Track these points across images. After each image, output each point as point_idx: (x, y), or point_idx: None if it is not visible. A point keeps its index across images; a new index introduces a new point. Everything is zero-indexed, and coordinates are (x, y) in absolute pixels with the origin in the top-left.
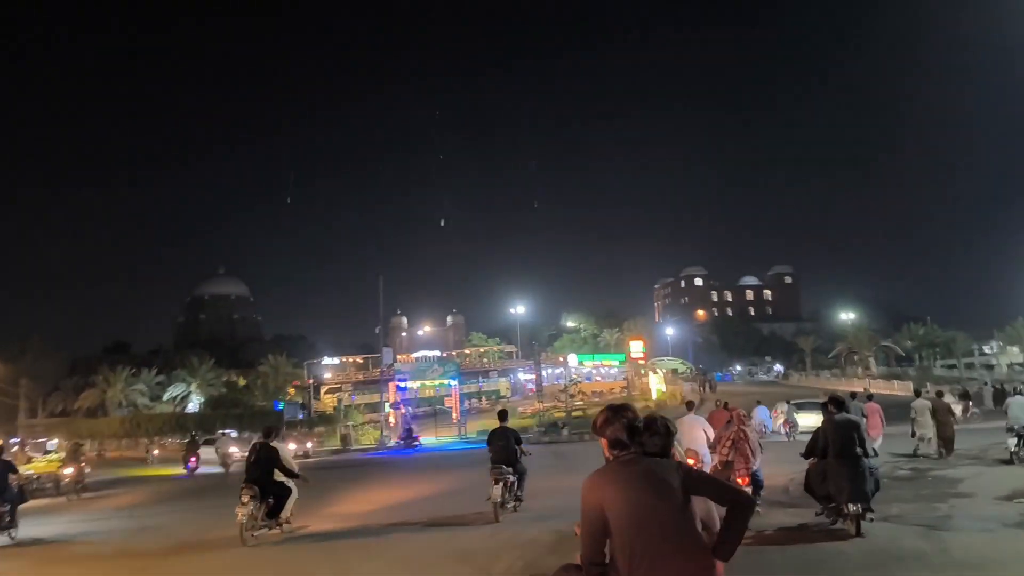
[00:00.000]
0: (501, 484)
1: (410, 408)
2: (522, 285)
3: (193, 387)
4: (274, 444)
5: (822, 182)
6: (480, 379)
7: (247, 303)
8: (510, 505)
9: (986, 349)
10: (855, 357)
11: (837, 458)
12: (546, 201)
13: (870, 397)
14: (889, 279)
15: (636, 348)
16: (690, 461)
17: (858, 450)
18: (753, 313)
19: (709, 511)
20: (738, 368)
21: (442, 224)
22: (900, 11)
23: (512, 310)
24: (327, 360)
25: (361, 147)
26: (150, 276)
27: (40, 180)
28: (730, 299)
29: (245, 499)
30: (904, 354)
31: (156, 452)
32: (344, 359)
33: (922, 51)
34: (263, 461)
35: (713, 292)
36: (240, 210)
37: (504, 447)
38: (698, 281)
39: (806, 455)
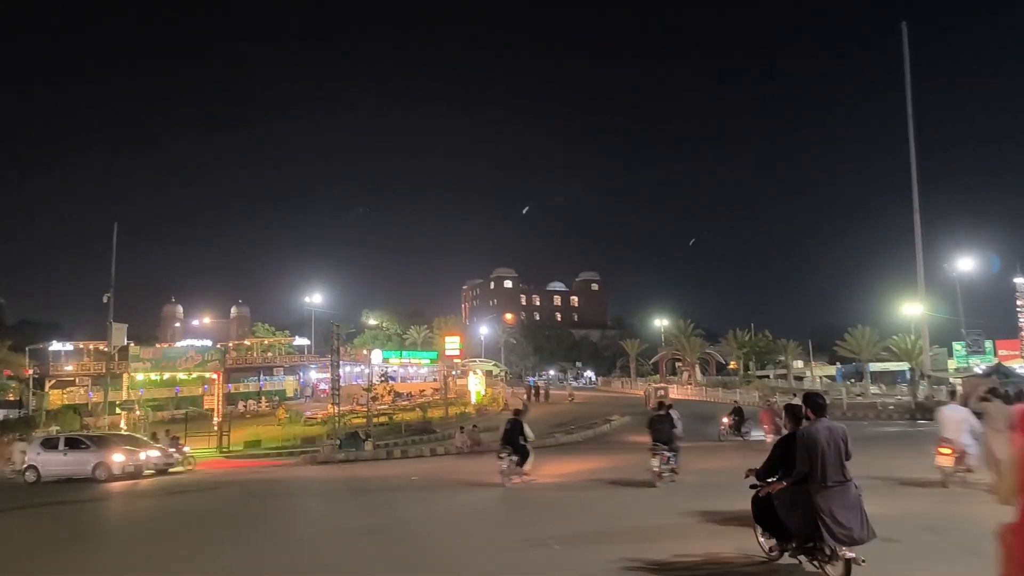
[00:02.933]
0: (659, 457)
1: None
2: (319, 278)
3: None
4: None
5: (635, 189)
6: (262, 376)
7: None
8: (667, 475)
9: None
10: (677, 364)
11: (822, 482)
12: (345, 194)
13: None
14: (696, 290)
15: (451, 345)
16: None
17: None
18: (560, 318)
19: None
20: (552, 372)
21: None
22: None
23: (307, 299)
24: (58, 346)
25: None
26: None
27: None
28: (539, 303)
29: (503, 455)
30: (723, 363)
31: None
32: (82, 345)
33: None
34: (515, 430)
35: (522, 295)
36: None
37: (662, 430)
38: (508, 283)
39: (763, 474)
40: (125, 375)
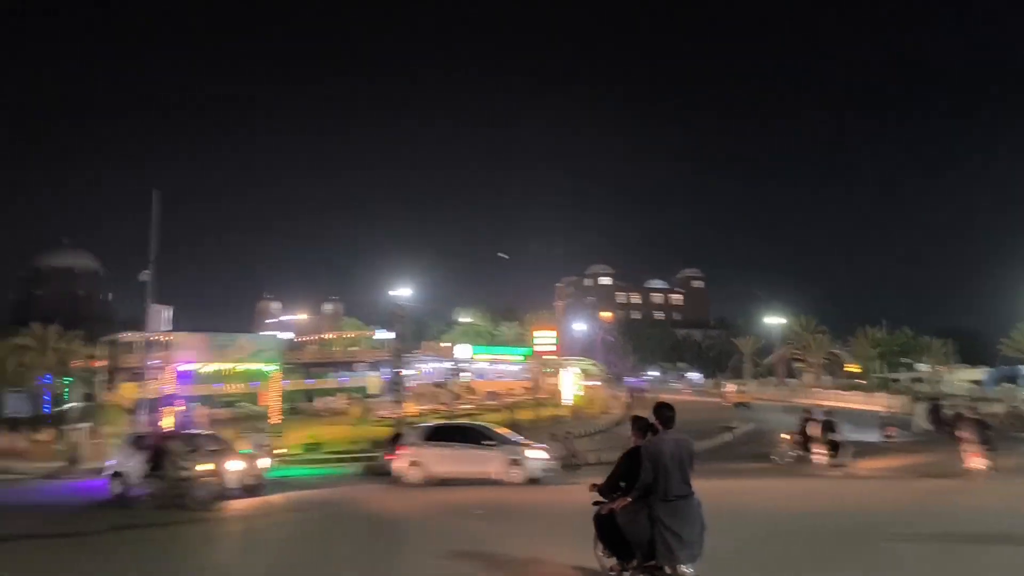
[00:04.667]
0: None
1: (193, 405)
2: (412, 277)
3: None
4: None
5: (739, 183)
6: (342, 373)
7: (95, 278)
8: None
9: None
10: (797, 365)
11: (664, 496)
12: (442, 192)
13: None
14: (811, 286)
15: (544, 340)
16: None
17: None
18: (660, 317)
19: None
20: (653, 373)
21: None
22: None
23: (393, 292)
24: (131, 336)
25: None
26: None
27: None
28: (637, 301)
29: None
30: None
31: None
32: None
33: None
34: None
35: (620, 293)
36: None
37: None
38: (605, 280)
39: (606, 490)
40: (168, 367)
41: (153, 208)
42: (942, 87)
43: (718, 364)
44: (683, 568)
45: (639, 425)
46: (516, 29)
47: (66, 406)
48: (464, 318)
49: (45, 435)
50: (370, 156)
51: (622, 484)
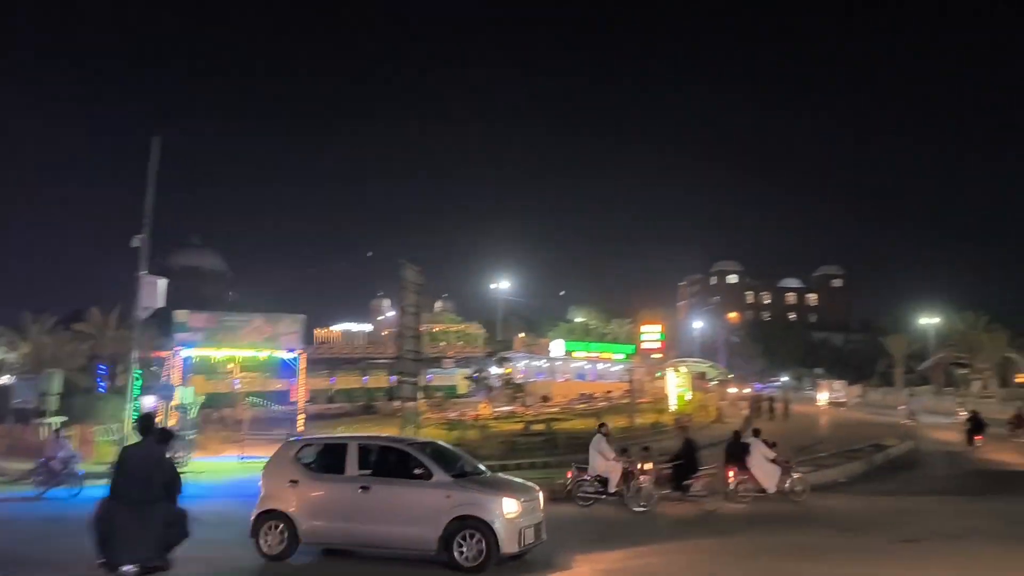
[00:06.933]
0: None
1: (189, 406)
2: (527, 275)
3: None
4: None
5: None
6: (429, 369)
7: (222, 278)
8: None
9: None
10: (961, 371)
11: (125, 500)
12: (560, 189)
13: None
14: (979, 283)
15: (650, 335)
16: None
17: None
18: (794, 318)
19: None
20: (784, 379)
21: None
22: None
23: (493, 285)
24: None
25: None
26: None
27: None
28: (768, 301)
29: None
30: None
31: None
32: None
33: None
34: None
35: (749, 292)
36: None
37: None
38: (732, 278)
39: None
40: (170, 354)
41: (152, 156)
42: None
43: (860, 371)
44: (126, 569)
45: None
46: (626, 23)
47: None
48: (579, 318)
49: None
50: (501, 164)
51: None
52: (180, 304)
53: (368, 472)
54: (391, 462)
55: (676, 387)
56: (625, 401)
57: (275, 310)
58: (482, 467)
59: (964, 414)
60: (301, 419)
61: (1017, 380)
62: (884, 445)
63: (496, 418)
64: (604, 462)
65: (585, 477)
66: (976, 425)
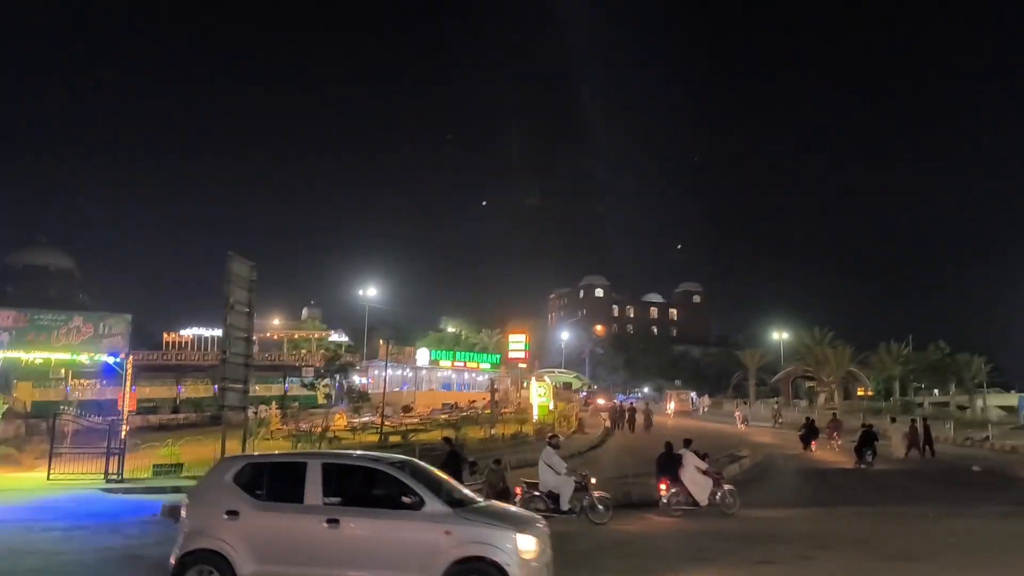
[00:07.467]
0: None
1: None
2: (397, 282)
3: None
4: None
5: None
6: (287, 378)
7: (70, 278)
8: None
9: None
10: (809, 384)
11: None
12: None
13: None
14: (826, 303)
15: (516, 345)
16: None
17: None
18: (656, 332)
19: None
20: (646, 390)
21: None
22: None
23: (361, 292)
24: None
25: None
26: None
27: None
28: (633, 315)
29: None
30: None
31: None
32: None
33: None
34: None
35: (615, 306)
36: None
37: None
38: (599, 292)
39: None
40: None
41: None
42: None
43: (718, 383)
44: None
45: None
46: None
47: None
48: (450, 328)
49: None
50: (366, 173)
51: None
52: (24, 306)
53: (336, 500)
54: (366, 487)
55: (539, 397)
56: (487, 412)
57: (122, 312)
58: (470, 492)
59: (783, 420)
60: (124, 430)
61: (859, 393)
62: (738, 455)
63: (351, 429)
64: (555, 476)
65: (536, 493)
66: (811, 431)
